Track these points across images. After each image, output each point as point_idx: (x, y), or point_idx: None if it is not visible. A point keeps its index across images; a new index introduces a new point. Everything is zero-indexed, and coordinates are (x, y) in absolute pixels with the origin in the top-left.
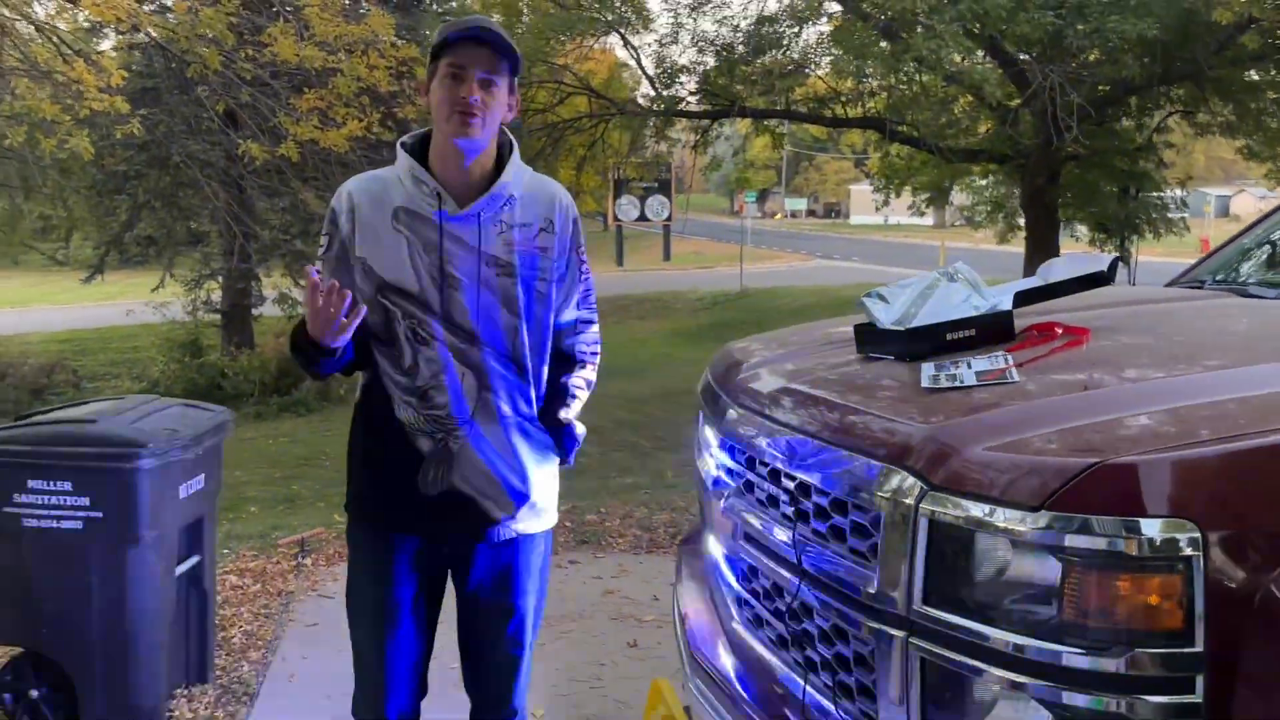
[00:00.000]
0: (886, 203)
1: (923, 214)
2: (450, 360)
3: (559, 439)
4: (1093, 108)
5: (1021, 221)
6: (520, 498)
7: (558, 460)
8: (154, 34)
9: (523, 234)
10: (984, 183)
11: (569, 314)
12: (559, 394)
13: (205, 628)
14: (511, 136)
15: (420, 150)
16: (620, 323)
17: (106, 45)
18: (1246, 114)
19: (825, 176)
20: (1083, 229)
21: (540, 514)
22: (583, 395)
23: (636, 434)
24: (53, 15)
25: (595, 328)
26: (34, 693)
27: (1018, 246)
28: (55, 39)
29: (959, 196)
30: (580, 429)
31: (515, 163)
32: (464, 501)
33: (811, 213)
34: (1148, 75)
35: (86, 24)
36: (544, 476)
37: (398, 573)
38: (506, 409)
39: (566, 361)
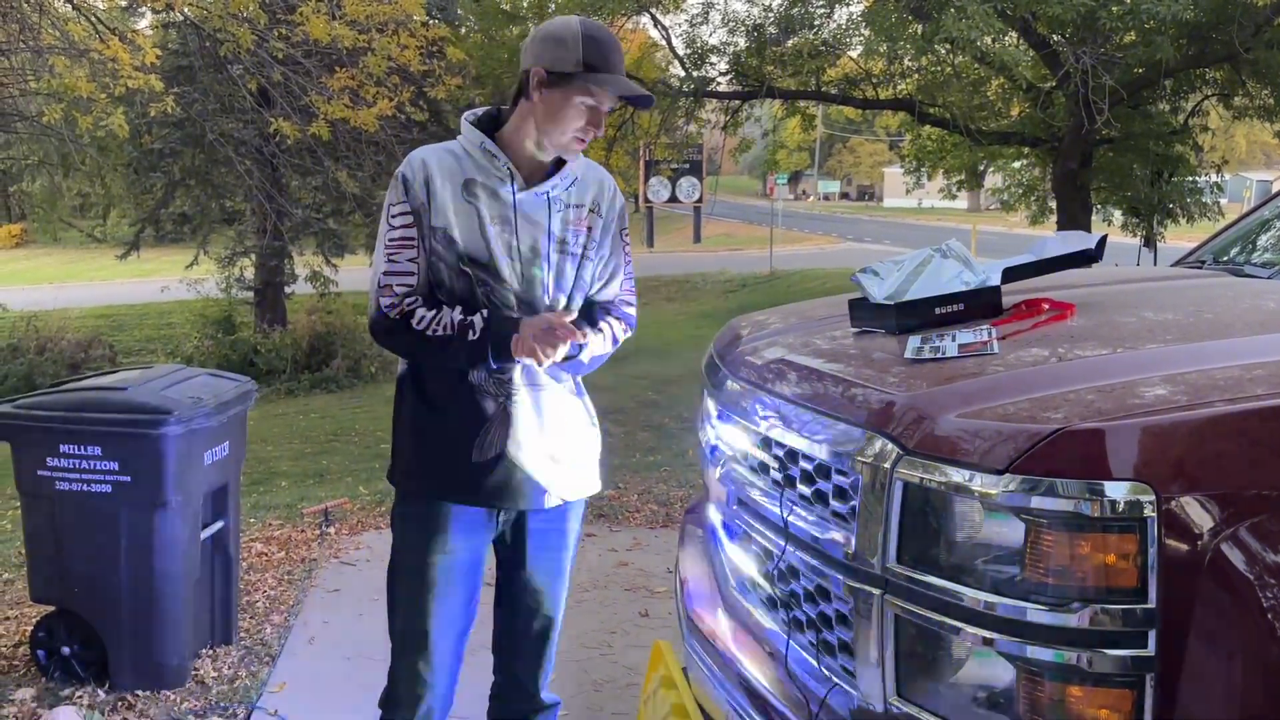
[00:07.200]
0: (919, 184)
1: (954, 197)
2: None
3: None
4: (1126, 90)
5: (1054, 205)
6: (567, 464)
7: (598, 432)
8: (188, 13)
9: (575, 214)
10: (1018, 165)
11: (609, 292)
12: (591, 320)
13: (230, 591)
14: None
15: (486, 128)
16: (649, 304)
17: (143, 24)
18: None
19: (859, 159)
20: (1116, 212)
21: (585, 480)
22: (607, 333)
23: (662, 414)
24: None
25: (633, 309)
26: (65, 650)
27: (1051, 230)
28: (92, 17)
29: (993, 179)
30: (589, 355)
31: None
32: (517, 469)
33: (845, 195)
34: (1182, 58)
35: (123, 2)
36: (589, 444)
37: (455, 542)
38: (560, 377)
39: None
